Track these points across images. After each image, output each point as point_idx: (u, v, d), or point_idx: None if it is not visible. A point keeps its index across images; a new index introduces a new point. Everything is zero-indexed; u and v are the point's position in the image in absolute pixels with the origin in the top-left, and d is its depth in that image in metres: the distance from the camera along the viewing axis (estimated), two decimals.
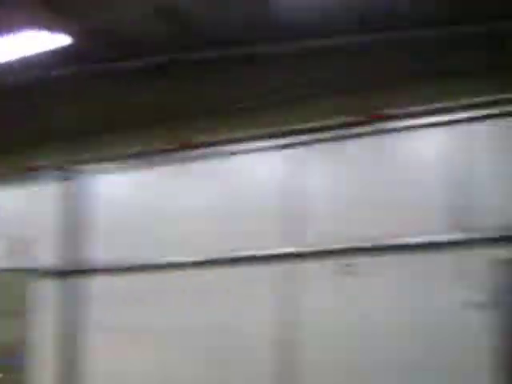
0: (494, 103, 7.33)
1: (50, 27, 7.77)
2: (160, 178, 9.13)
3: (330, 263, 7.86)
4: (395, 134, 7.85)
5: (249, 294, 8.35)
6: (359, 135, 8.03)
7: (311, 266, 8.01)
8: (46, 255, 9.15)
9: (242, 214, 8.50)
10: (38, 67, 8.87)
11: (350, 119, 7.98)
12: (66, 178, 9.69)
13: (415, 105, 7.60)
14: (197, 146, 8.73)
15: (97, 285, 9.23)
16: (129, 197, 9.29)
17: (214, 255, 8.52)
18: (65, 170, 9.69)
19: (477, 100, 7.34)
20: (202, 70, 8.47)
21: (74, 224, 9.52)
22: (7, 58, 8.36)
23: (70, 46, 8.22)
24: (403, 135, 7.83)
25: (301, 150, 8.28)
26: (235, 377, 8.30)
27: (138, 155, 9.17)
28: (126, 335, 8.81)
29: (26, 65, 8.62)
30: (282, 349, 8.03)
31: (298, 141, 8.31)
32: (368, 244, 7.71)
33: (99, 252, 9.31)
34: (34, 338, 5.80)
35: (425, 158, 7.70)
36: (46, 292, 7.01)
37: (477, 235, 7.21)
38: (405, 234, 7.48)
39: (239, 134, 8.53)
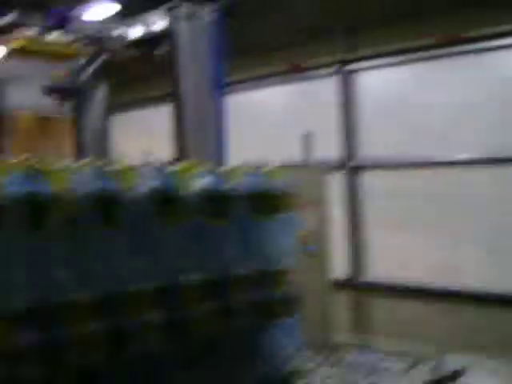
0: None
1: None
2: (430, 74, 8.76)
3: None
4: None
5: None
6: None
7: None
8: (330, 151, 9.25)
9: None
10: None
11: None
12: (340, 75, 9.57)
13: None
14: (466, 41, 8.22)
15: (371, 179, 9.29)
16: (399, 93, 9.03)
17: (485, 154, 8.11)
18: (338, 66, 9.57)
19: None
20: None
21: (349, 120, 9.49)
22: None
23: None
24: None
25: None
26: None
27: (407, 50, 8.80)
28: (400, 225, 8.82)
29: None
30: None
31: None
32: None
33: (373, 148, 9.26)
34: (327, 227, 6.40)
35: None
36: (334, 185, 7.72)
37: None
38: None
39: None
